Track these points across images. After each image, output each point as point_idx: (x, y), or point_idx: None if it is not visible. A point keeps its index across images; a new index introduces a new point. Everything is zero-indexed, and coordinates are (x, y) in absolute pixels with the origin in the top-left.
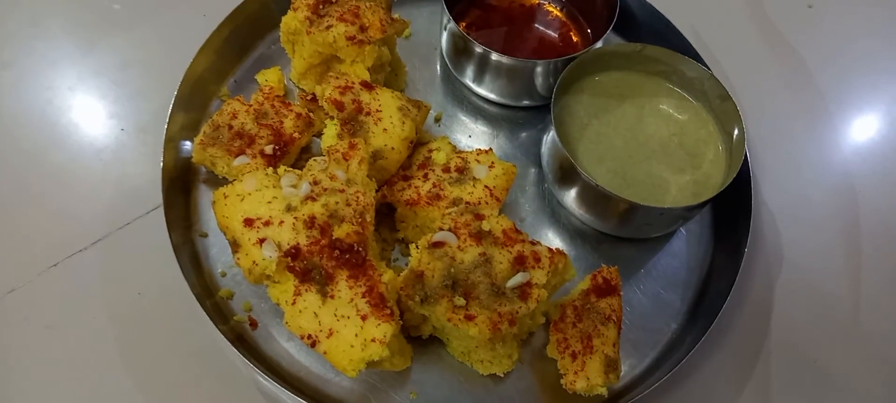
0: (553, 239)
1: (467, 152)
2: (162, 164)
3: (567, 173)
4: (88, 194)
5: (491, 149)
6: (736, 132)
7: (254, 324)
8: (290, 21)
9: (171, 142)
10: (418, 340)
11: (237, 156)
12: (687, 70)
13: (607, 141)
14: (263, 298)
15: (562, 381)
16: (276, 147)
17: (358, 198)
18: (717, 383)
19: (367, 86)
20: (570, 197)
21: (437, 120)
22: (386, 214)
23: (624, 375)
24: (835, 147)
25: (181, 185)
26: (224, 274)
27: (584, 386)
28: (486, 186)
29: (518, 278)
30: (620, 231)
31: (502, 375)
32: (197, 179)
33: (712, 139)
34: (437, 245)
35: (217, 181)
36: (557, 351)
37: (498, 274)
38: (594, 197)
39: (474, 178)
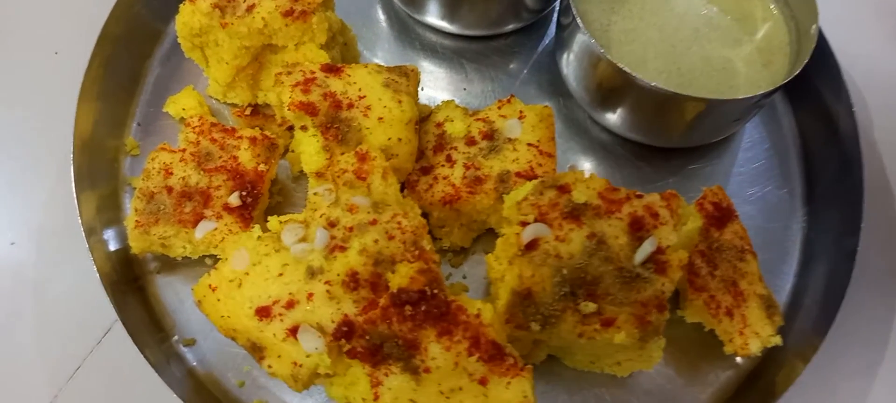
0: (619, 182)
1: (486, 110)
2: (96, 271)
3: (612, 89)
4: (6, 350)
5: (512, 96)
6: None
7: None
8: (190, 18)
9: (93, 237)
10: None
11: (196, 223)
12: None
13: (640, 36)
14: (312, 395)
15: (727, 349)
16: (243, 193)
17: (400, 223)
18: (869, 273)
19: (331, 70)
20: (620, 117)
21: None
22: None
23: None
24: None
25: (129, 290)
26: (242, 384)
27: (758, 345)
28: (529, 144)
29: (646, 247)
30: (690, 139)
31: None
32: (147, 273)
33: None
34: (532, 246)
35: (176, 266)
36: (709, 314)
37: (619, 252)
38: (655, 107)
39: (509, 140)
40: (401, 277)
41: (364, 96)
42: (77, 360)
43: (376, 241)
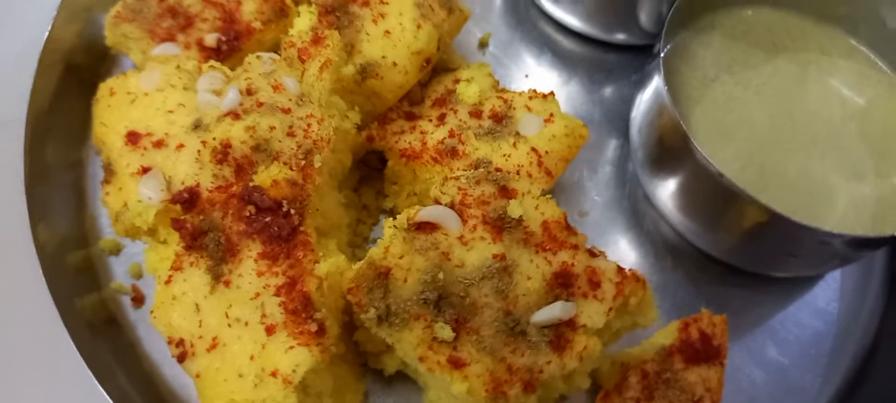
0: (627, 254)
1: (515, 93)
2: (47, 35)
3: (670, 151)
4: None
5: (552, 93)
6: None
7: (139, 299)
8: None
9: (84, 11)
10: (378, 374)
11: (162, 41)
12: (890, 17)
13: (742, 110)
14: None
15: None
16: (223, 38)
17: (308, 126)
18: None
19: None
20: (668, 190)
21: (483, 45)
22: (375, 169)
23: None
24: None
25: (86, 79)
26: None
27: None
28: (533, 149)
29: (555, 310)
30: (741, 258)
31: None
32: (112, 72)
33: None
34: (425, 227)
35: None
36: None
37: (520, 296)
38: (709, 195)
39: (517, 134)
40: (266, 176)
41: (386, 2)
42: None
43: (272, 129)
